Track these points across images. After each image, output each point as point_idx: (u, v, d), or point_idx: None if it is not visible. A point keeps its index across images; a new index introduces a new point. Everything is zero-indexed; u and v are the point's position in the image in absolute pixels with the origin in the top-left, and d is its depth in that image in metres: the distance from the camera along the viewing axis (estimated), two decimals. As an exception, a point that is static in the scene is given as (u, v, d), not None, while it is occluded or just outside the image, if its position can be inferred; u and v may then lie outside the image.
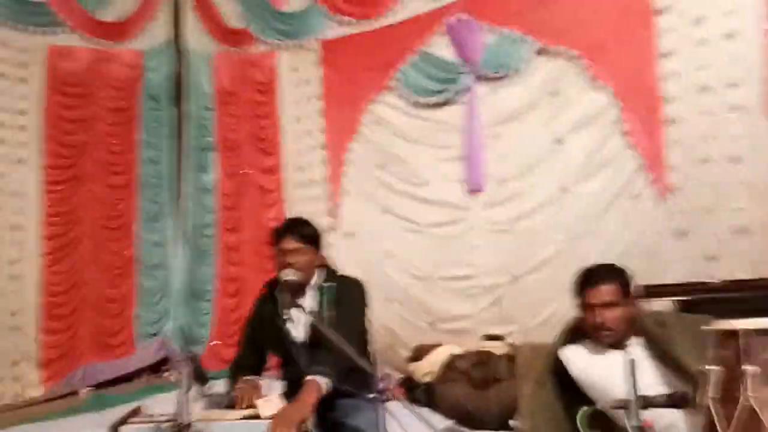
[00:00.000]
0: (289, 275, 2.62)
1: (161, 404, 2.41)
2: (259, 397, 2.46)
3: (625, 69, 4.13)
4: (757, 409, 1.59)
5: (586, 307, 2.41)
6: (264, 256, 4.95)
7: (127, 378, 4.99)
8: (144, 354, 5.16)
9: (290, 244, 2.70)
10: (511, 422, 2.80)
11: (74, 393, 4.59)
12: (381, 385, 2.17)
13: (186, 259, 5.51)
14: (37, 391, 4.65)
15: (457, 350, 3.71)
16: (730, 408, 1.64)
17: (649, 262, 3.84)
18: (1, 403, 4.40)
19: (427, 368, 3.58)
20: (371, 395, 2.31)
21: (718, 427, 1.64)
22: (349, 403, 2.60)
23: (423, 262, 4.65)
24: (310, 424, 2.34)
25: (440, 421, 3.10)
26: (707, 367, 1.72)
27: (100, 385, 4.75)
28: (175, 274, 5.49)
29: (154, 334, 5.32)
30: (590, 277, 2.45)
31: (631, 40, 4.09)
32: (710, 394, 1.69)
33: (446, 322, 4.47)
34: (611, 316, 2.37)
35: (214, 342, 5.27)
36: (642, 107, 4.07)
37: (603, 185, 4.18)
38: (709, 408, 1.72)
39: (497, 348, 3.58)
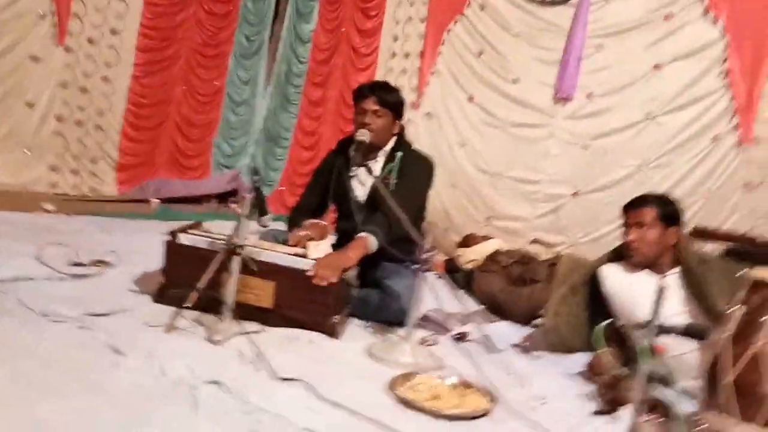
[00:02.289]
0: (364, 135, 2.75)
1: (221, 228, 2.67)
2: (313, 239, 2.69)
3: (742, 9, 3.97)
4: (762, 358, 1.72)
5: (624, 226, 2.58)
6: (345, 118, 5.13)
7: (196, 200, 5.33)
8: (216, 181, 5.50)
9: (371, 105, 2.81)
10: (535, 320, 2.99)
11: (145, 201, 4.96)
12: (425, 256, 2.39)
13: (271, 102, 5.74)
14: (111, 191, 5.00)
15: (504, 246, 3.88)
16: (739, 350, 1.77)
17: (714, 205, 3.88)
18: (79, 194, 4.80)
19: (472, 256, 3.77)
20: (414, 262, 2.55)
21: (722, 364, 1.78)
22: (391, 267, 2.82)
23: (494, 158, 4.73)
24: (351, 274, 2.58)
25: (472, 305, 3.28)
26: (732, 306, 1.84)
27: (170, 200, 5.09)
28: (258, 115, 5.74)
29: (228, 167, 5.66)
30: (634, 200, 2.59)
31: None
32: (727, 332, 1.82)
33: (501, 219, 4.62)
34: (639, 236, 2.53)
35: (281, 188, 5.57)
36: (749, 51, 3.94)
37: (689, 120, 4.14)
38: (719, 345, 1.85)
39: (542, 252, 3.73)
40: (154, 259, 2.56)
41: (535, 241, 4.02)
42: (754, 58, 3.93)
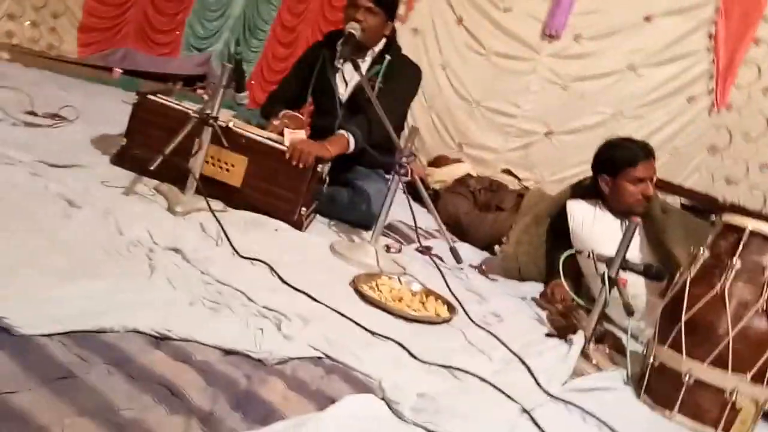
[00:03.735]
0: (355, 29, 2.56)
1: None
2: (288, 126, 2.53)
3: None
4: (726, 299, 1.72)
5: (630, 178, 2.50)
6: (328, 20, 4.88)
7: (161, 77, 4.98)
8: (186, 62, 5.22)
9: (365, 1, 2.64)
10: (496, 246, 2.96)
11: (108, 69, 4.64)
12: (404, 160, 2.29)
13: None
14: (71, 52, 4.67)
15: (474, 172, 3.82)
16: (699, 291, 1.77)
17: (678, 162, 3.89)
18: (36, 48, 4.47)
19: (442, 176, 3.71)
20: (389, 168, 2.44)
21: (685, 305, 1.78)
22: (365, 171, 2.73)
23: (474, 85, 4.62)
24: (325, 169, 2.46)
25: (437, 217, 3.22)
26: (699, 249, 1.83)
27: (134, 73, 4.77)
28: (237, 2, 5.41)
29: (199, 50, 5.36)
30: (644, 151, 2.53)
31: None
32: (690, 274, 1.81)
33: (474, 148, 4.55)
34: (652, 191, 2.50)
35: (252, 82, 5.33)
36: (737, 17, 3.88)
37: (669, 76, 4.12)
38: (677, 286, 1.85)
39: (511, 182, 3.69)
40: (114, 123, 2.39)
41: (506, 171, 3.97)
42: (740, 25, 3.89)
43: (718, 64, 3.96)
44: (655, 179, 2.57)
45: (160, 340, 1.21)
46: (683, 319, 1.77)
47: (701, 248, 1.83)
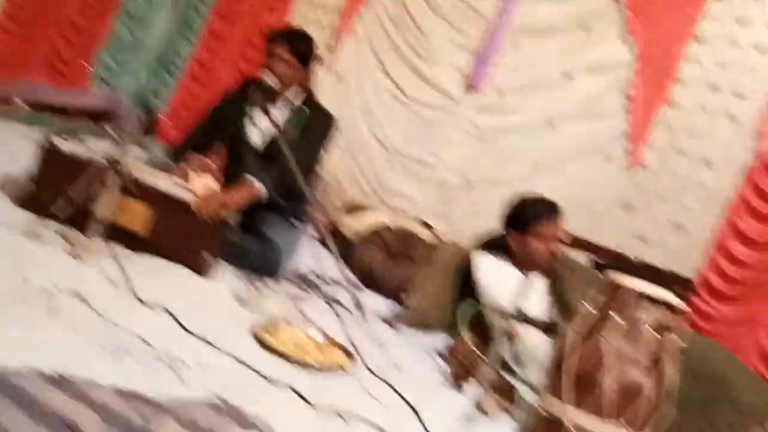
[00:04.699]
0: (270, 78, 2.82)
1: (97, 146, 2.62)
2: (196, 171, 2.74)
3: (655, 36, 4.36)
4: (603, 352, 2.01)
5: (536, 235, 2.79)
6: (247, 59, 5.12)
7: (66, 112, 5.04)
8: (93, 98, 5.31)
9: (282, 51, 2.87)
10: (402, 295, 3.20)
11: (8, 102, 4.63)
12: (314, 213, 2.53)
13: (168, 24, 5.61)
14: None
15: (389, 222, 4.07)
16: (584, 345, 2.06)
17: (592, 219, 4.26)
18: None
19: (357, 225, 3.94)
20: (300, 218, 2.68)
21: (566, 355, 2.06)
22: (275, 219, 2.93)
23: (395, 133, 4.91)
24: (232, 217, 2.67)
25: (347, 273, 3.44)
26: (584, 303, 2.12)
27: (39, 107, 4.78)
28: (153, 36, 5.60)
29: (109, 84, 5.48)
30: (551, 209, 2.83)
31: (676, 11, 4.30)
32: (575, 326, 2.10)
33: (391, 196, 4.81)
34: (559, 249, 2.79)
35: (162, 117, 5.46)
36: (654, 78, 4.33)
37: (586, 134, 4.49)
38: (566, 336, 2.14)
39: (426, 235, 3.96)
40: (17, 163, 2.52)
41: (424, 224, 4.24)
42: (656, 85, 4.34)
43: (634, 123, 4.40)
44: (562, 237, 2.88)
45: (59, 381, 1.38)
46: (563, 369, 2.04)
47: (583, 303, 2.12)
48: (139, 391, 1.46)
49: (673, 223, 4.19)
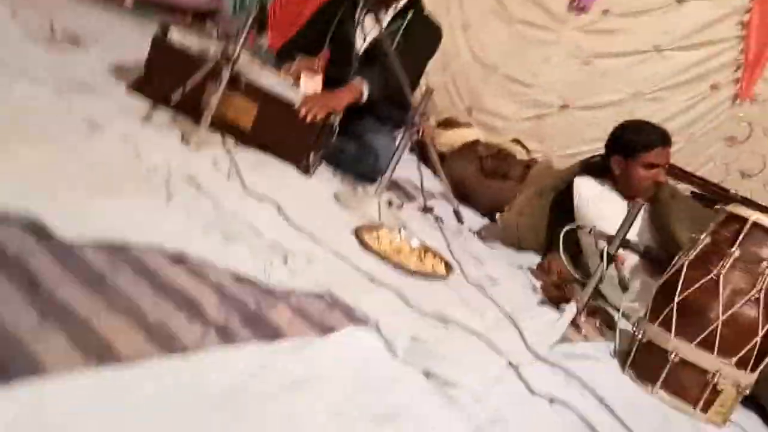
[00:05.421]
0: None
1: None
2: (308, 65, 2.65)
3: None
4: (720, 285, 1.88)
5: (644, 163, 2.62)
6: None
7: (171, 8, 4.97)
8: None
9: None
10: (497, 214, 3.11)
11: None
12: (416, 119, 2.43)
13: None
14: None
15: (483, 138, 3.95)
16: (695, 275, 1.93)
17: (693, 150, 4.02)
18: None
19: (450, 139, 3.84)
20: (400, 124, 2.59)
21: (679, 286, 1.94)
22: (374, 122, 2.86)
23: (493, 49, 4.72)
24: (336, 118, 2.60)
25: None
26: (700, 235, 1.98)
27: (146, 2, 4.71)
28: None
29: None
30: (663, 138, 2.65)
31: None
32: (689, 257, 1.97)
33: (485, 114, 4.67)
34: (665, 178, 2.65)
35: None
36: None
37: (695, 60, 4.19)
38: (675, 267, 2.01)
39: (519, 153, 3.82)
40: (131, 51, 2.51)
41: (515, 140, 4.09)
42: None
43: (748, 53, 4.06)
44: (667, 166, 2.71)
45: (181, 259, 1.37)
46: (676, 299, 1.93)
47: (702, 234, 1.98)
48: (253, 276, 1.44)
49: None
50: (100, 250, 1.25)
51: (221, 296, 1.30)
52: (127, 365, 0.96)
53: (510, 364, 1.61)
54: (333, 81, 2.83)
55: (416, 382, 1.33)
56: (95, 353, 0.95)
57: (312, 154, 2.43)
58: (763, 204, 3.78)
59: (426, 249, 2.19)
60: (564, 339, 1.98)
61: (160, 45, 2.38)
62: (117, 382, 0.92)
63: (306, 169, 2.41)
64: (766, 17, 4.01)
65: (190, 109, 2.23)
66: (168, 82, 2.21)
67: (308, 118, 2.37)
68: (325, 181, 2.54)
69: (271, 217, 1.85)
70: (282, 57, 2.87)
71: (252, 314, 1.30)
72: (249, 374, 1.08)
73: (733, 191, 3.84)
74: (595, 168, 2.84)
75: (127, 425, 0.87)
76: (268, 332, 1.26)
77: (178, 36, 2.39)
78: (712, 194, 3.60)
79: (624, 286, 2.12)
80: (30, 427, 0.80)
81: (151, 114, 2.15)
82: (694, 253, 1.98)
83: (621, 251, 2.26)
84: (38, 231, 1.21)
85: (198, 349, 1.09)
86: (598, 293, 2.45)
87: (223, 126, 2.28)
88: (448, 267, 2.12)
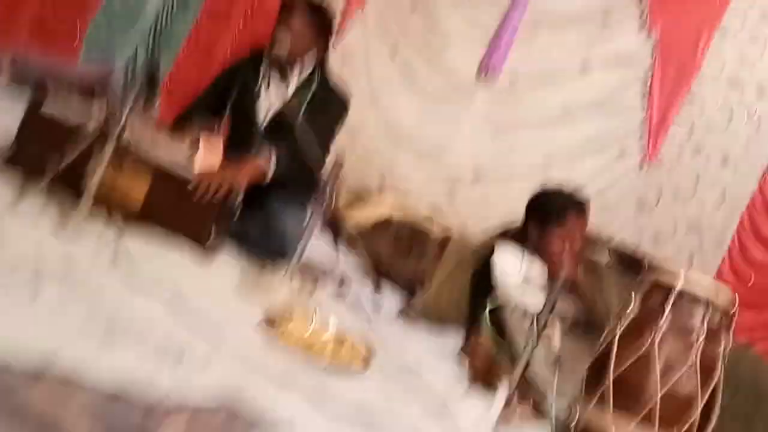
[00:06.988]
0: (283, 50, 2.61)
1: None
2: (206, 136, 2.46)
3: (674, 27, 4.20)
4: (655, 358, 1.80)
5: (561, 231, 2.57)
6: (254, 32, 4.83)
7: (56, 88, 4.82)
8: (83, 73, 5.02)
9: (299, 22, 2.64)
10: (417, 292, 3.00)
11: None
12: (326, 193, 2.30)
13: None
14: None
15: (395, 214, 3.86)
16: (628, 351, 1.85)
17: (606, 216, 4.08)
18: None
19: (362, 218, 3.73)
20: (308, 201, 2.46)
21: (612, 362, 1.85)
22: (282, 199, 2.70)
23: (406, 119, 4.67)
24: (238, 195, 2.42)
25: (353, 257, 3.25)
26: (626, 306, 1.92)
27: (25, 81, 4.45)
28: (149, 10, 5.30)
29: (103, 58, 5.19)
30: (579, 206, 2.61)
31: (699, 4, 4.16)
32: (619, 330, 1.89)
33: (395, 188, 4.56)
34: (581, 247, 2.62)
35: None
36: (675, 71, 4.14)
37: (601, 128, 4.31)
38: (605, 342, 1.93)
39: (433, 229, 3.76)
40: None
41: (428, 219, 4.03)
42: (676, 79, 4.15)
43: (652, 117, 4.21)
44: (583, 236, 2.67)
45: (40, 373, 1.14)
46: (611, 377, 1.83)
47: (630, 304, 1.91)
48: (137, 387, 1.22)
49: (690, 222, 4.02)
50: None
51: (92, 418, 1.08)
52: None
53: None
54: (235, 151, 2.66)
55: None
56: None
57: (212, 235, 2.23)
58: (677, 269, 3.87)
59: (343, 337, 2.02)
60: (498, 425, 1.85)
61: (34, 112, 2.16)
62: None
63: (205, 253, 2.21)
64: (667, 82, 4.19)
65: (70, 185, 1.99)
66: (44, 155, 1.99)
67: (206, 197, 2.19)
68: (227, 265, 2.32)
69: (163, 312, 1.64)
70: (179, 125, 2.70)
71: (135, 437, 1.09)
72: None
73: (647, 257, 3.89)
74: (512, 238, 2.78)
75: None
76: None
77: (55, 104, 2.19)
78: (630, 261, 3.63)
79: (558, 363, 2.03)
80: None
81: (23, 193, 1.91)
82: (624, 326, 1.90)
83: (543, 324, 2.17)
84: None
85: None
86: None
87: (110, 204, 2.05)
88: (369, 354, 1.96)
